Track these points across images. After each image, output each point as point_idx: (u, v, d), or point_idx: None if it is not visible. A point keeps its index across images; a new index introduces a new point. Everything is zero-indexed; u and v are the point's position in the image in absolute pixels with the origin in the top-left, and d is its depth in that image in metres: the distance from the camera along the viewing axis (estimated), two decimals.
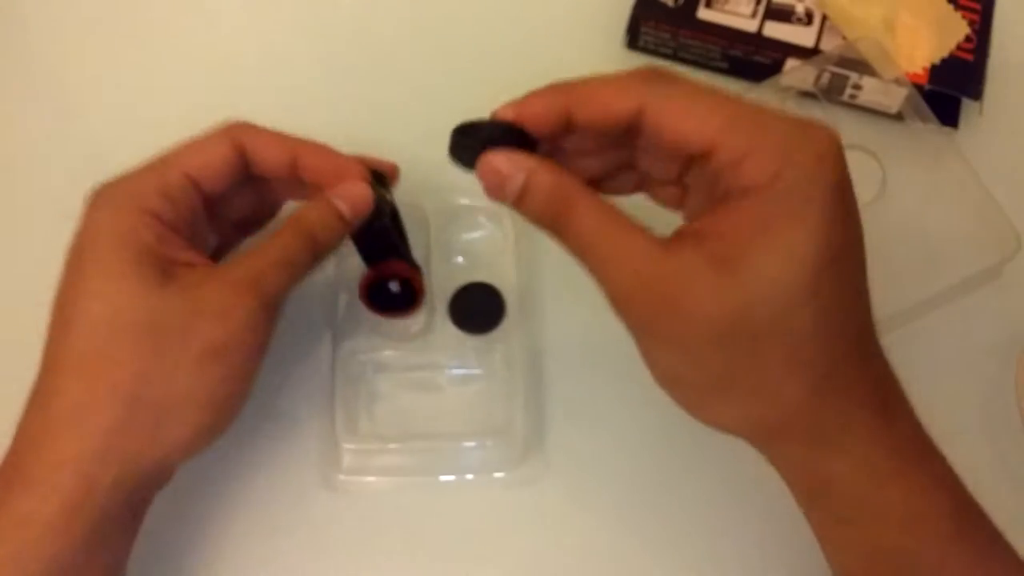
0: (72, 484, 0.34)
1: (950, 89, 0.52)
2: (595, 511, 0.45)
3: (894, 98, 0.52)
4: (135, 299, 0.35)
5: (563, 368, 0.47)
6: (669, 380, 0.34)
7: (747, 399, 0.33)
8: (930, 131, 0.50)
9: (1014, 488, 0.45)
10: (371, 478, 0.45)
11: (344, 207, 0.40)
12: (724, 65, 0.55)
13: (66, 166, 0.51)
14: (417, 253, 0.46)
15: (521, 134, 0.34)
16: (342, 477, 0.45)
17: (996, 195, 0.47)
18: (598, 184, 0.37)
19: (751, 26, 0.54)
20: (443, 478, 0.45)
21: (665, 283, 0.32)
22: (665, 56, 0.56)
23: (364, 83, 0.55)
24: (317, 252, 0.39)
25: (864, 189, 0.48)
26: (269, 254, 0.38)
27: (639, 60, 0.56)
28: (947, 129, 0.53)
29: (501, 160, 0.33)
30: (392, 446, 0.45)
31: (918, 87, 0.51)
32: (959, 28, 0.53)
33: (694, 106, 0.32)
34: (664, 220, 0.35)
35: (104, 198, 0.37)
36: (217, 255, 0.42)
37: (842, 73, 0.52)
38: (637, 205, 0.35)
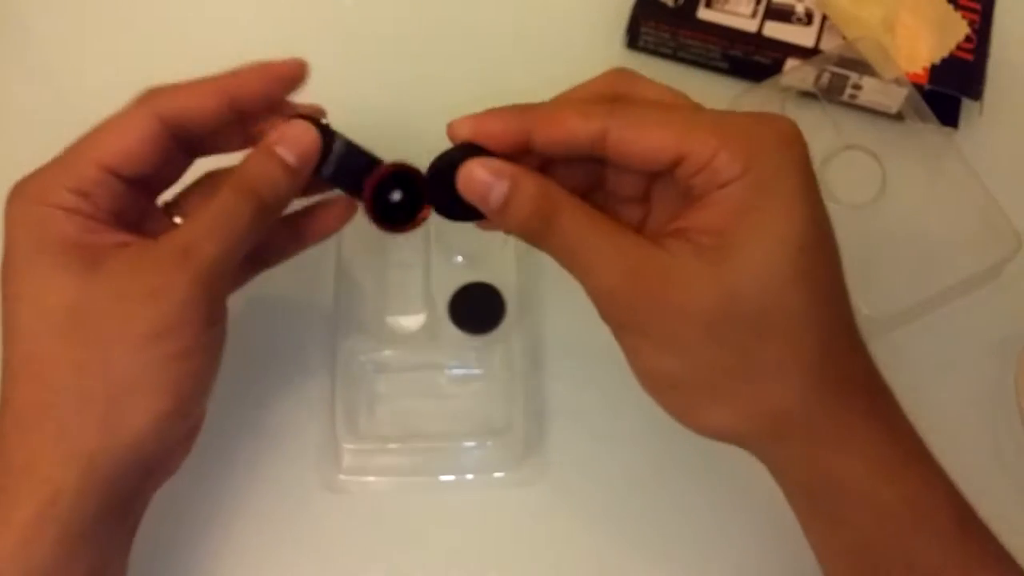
0: (36, 490, 0.33)
1: (950, 89, 0.52)
2: (595, 511, 0.45)
3: (894, 98, 0.52)
4: (60, 294, 0.33)
5: (563, 368, 0.47)
6: (659, 382, 0.34)
7: (741, 395, 0.32)
8: (930, 131, 0.50)
9: (1014, 488, 0.45)
10: (371, 478, 0.45)
11: (288, 154, 0.36)
12: (724, 65, 0.55)
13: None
14: (417, 253, 0.45)
15: (480, 151, 0.34)
16: (342, 477, 0.45)
17: (996, 195, 0.47)
18: None
19: (751, 26, 0.54)
20: (443, 478, 0.45)
21: (652, 277, 0.32)
22: (665, 56, 0.56)
23: (363, 83, 0.55)
24: (263, 210, 0.36)
25: (864, 189, 0.49)
26: (203, 221, 0.35)
27: (639, 60, 0.56)
28: (947, 129, 0.53)
29: (481, 170, 0.33)
30: (392, 446, 0.45)
31: (918, 87, 0.51)
32: (959, 28, 0.53)
33: (655, 123, 0.32)
34: None
35: (18, 196, 0.35)
36: None
37: (842, 73, 0.52)
38: None
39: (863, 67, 0.51)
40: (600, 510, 0.45)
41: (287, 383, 0.46)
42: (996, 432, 0.47)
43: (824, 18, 0.54)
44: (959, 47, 0.53)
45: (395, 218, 0.38)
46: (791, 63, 0.53)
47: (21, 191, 0.35)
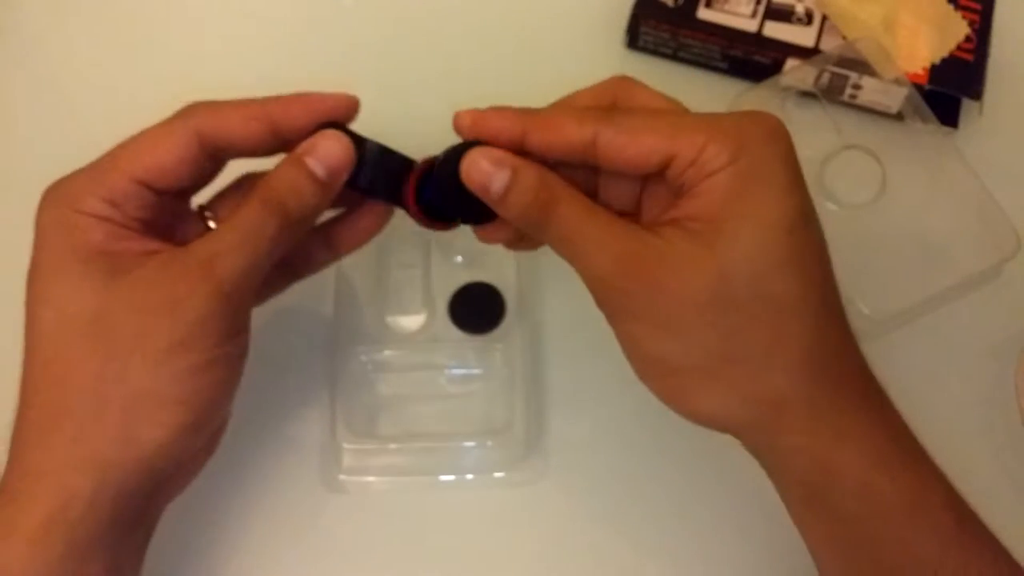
0: (48, 495, 0.33)
1: (950, 89, 0.52)
2: (595, 511, 0.45)
3: (894, 98, 0.52)
4: (84, 302, 0.33)
5: (563, 368, 0.47)
6: (652, 368, 0.34)
7: (733, 380, 0.32)
8: (930, 131, 0.50)
9: (1014, 488, 0.45)
10: (371, 478, 0.45)
11: (317, 166, 0.35)
12: (724, 65, 0.55)
13: (64, 166, 0.52)
14: (417, 253, 0.45)
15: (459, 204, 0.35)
16: (342, 477, 0.45)
17: (996, 195, 0.47)
18: None
19: (751, 26, 0.54)
20: (443, 478, 0.45)
21: (645, 261, 0.32)
22: (665, 56, 0.56)
23: (363, 84, 0.55)
24: (290, 224, 0.35)
25: (864, 189, 0.49)
26: (229, 233, 0.34)
27: (639, 60, 0.56)
28: (947, 129, 0.53)
29: (484, 159, 0.34)
30: (392, 446, 0.45)
31: (918, 87, 0.51)
32: (959, 28, 0.53)
33: (645, 128, 0.33)
34: None
35: (49, 200, 0.35)
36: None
37: (842, 73, 0.52)
38: None
39: (863, 67, 0.51)
40: (600, 510, 0.45)
41: (287, 383, 0.46)
42: (996, 432, 0.47)
43: (824, 18, 0.54)
44: (959, 47, 0.53)
45: (441, 213, 0.38)
46: (791, 63, 0.53)
47: (52, 196, 0.35)
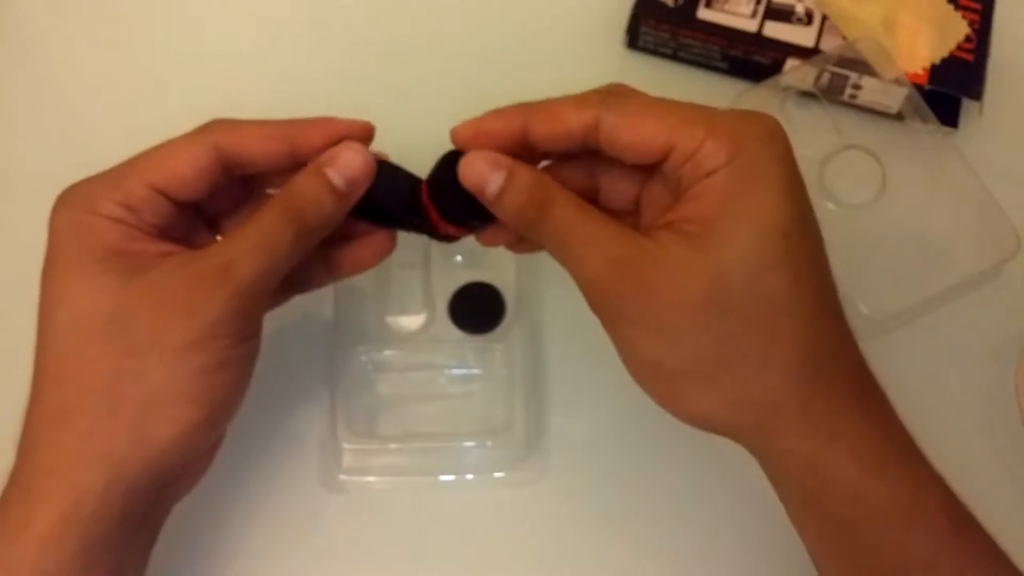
0: (60, 492, 0.33)
1: (950, 89, 0.52)
2: (595, 511, 0.45)
3: (894, 98, 0.52)
4: (100, 298, 0.34)
5: (563, 368, 0.47)
6: (648, 371, 0.34)
7: (728, 383, 0.32)
8: (930, 131, 0.50)
9: (1014, 488, 0.45)
10: (371, 478, 0.45)
11: (337, 177, 0.36)
12: (724, 65, 0.55)
13: (64, 166, 0.52)
14: (417, 253, 0.46)
15: (478, 206, 0.35)
16: (342, 477, 0.45)
17: (996, 195, 0.47)
18: None
19: (751, 26, 0.54)
20: (443, 478, 0.45)
21: (638, 265, 0.32)
22: (665, 56, 0.56)
23: (363, 84, 0.55)
24: (307, 232, 0.36)
25: (864, 189, 0.49)
26: (245, 238, 0.35)
27: (639, 60, 0.56)
28: (947, 129, 0.53)
29: (480, 161, 0.34)
30: (392, 446, 0.45)
31: (918, 87, 0.51)
32: (959, 28, 0.53)
33: (646, 112, 0.33)
34: None
35: (63, 204, 0.35)
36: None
37: (842, 73, 0.52)
38: None
39: (863, 67, 0.51)
40: (600, 510, 0.45)
41: (287, 383, 0.46)
42: (996, 432, 0.47)
43: (824, 18, 0.54)
44: (959, 47, 0.53)
45: (461, 218, 0.38)
46: (791, 63, 0.53)
47: (67, 199, 0.35)
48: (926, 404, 0.46)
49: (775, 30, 0.54)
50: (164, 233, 0.36)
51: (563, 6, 0.57)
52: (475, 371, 0.47)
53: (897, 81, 0.51)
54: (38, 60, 0.56)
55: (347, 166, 0.36)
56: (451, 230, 0.38)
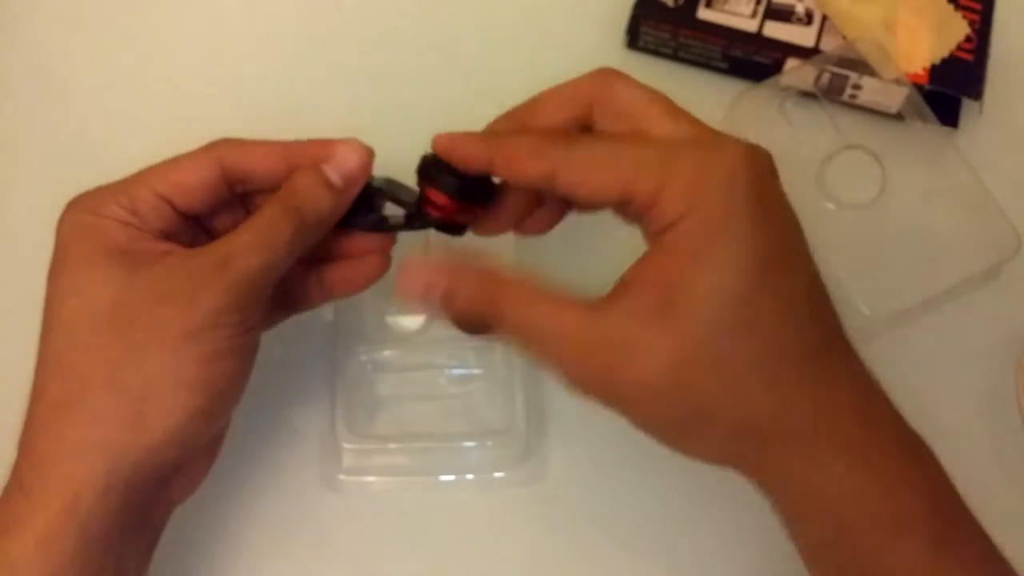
0: (59, 486, 0.33)
1: (950, 89, 0.52)
2: (595, 511, 0.45)
3: (894, 98, 0.52)
4: (104, 289, 0.35)
5: None
6: (642, 429, 0.34)
7: (709, 435, 0.33)
8: (930, 131, 0.50)
9: (1014, 488, 0.45)
10: (371, 478, 0.45)
11: (333, 174, 0.37)
12: (724, 65, 0.55)
13: (66, 171, 0.52)
14: (416, 253, 0.45)
15: (481, 182, 0.36)
16: (342, 477, 0.45)
17: (996, 195, 0.47)
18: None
19: (751, 26, 0.54)
20: (443, 478, 0.45)
21: (599, 354, 0.32)
22: (665, 56, 0.56)
23: (362, 85, 0.55)
24: (304, 228, 0.36)
25: (864, 189, 0.49)
26: (245, 233, 0.36)
27: (639, 60, 0.56)
28: (947, 129, 0.53)
29: (419, 268, 0.35)
30: (392, 446, 0.45)
31: (918, 87, 0.51)
32: (959, 28, 0.53)
33: (602, 165, 0.33)
34: None
35: (72, 208, 0.37)
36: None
37: (842, 73, 0.52)
38: None
39: (863, 67, 0.51)
40: (600, 510, 0.45)
41: (287, 383, 0.46)
42: (996, 432, 0.47)
43: (824, 18, 0.54)
44: (959, 47, 0.53)
45: (475, 197, 0.37)
46: (791, 63, 0.53)
47: (76, 204, 0.37)
48: (926, 404, 0.46)
49: (775, 30, 0.54)
50: (168, 238, 0.37)
51: (563, 6, 0.57)
52: (475, 371, 0.47)
53: (897, 81, 0.51)
54: (38, 65, 0.56)
55: (344, 163, 0.37)
56: (449, 208, 0.37)
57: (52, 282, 0.36)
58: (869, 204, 0.48)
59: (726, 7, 0.54)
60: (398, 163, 0.42)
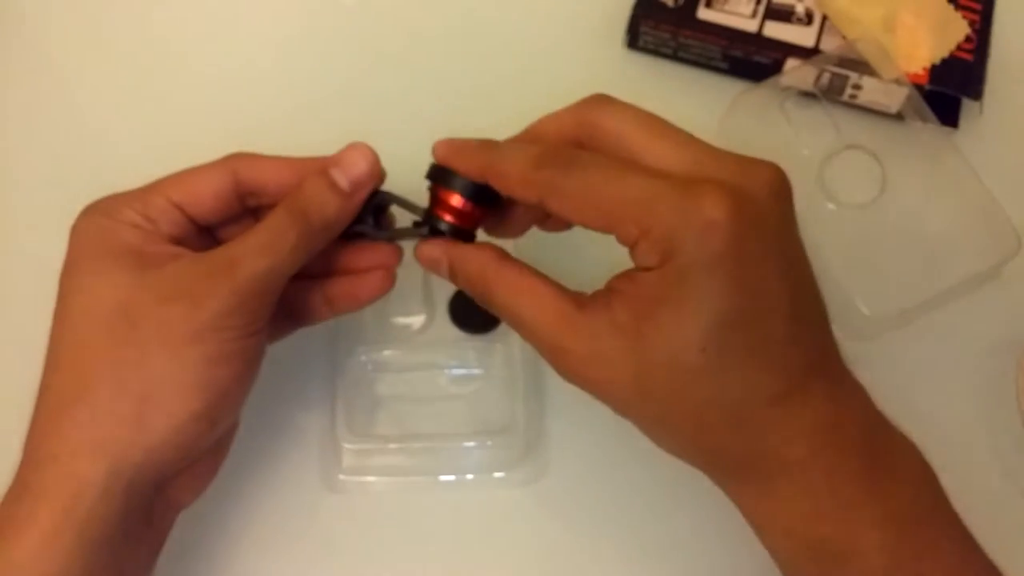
0: (60, 485, 0.33)
1: (950, 89, 0.52)
2: (595, 511, 0.45)
3: (894, 98, 0.52)
4: (111, 289, 0.35)
5: None
6: (621, 414, 0.35)
7: (680, 443, 0.35)
8: (930, 131, 0.50)
9: (1014, 488, 0.45)
10: (371, 478, 0.45)
11: (340, 178, 0.37)
12: (724, 65, 0.55)
13: (69, 174, 0.52)
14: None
15: (486, 190, 0.36)
16: (342, 477, 0.45)
17: (996, 195, 0.47)
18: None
19: (751, 26, 0.54)
20: (443, 478, 0.45)
21: (575, 352, 0.33)
22: (665, 56, 0.56)
23: (362, 86, 0.55)
24: (311, 232, 0.37)
25: (864, 189, 0.49)
26: (252, 237, 0.36)
27: (639, 60, 0.56)
28: (947, 129, 0.53)
29: (430, 249, 0.37)
30: (392, 446, 0.45)
31: (918, 87, 0.51)
32: (959, 28, 0.53)
33: (585, 199, 0.33)
34: None
35: (87, 211, 0.37)
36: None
37: (842, 73, 0.52)
38: None
39: (863, 67, 0.51)
40: (600, 510, 0.45)
41: (288, 383, 0.46)
42: (996, 432, 0.47)
43: (824, 18, 0.54)
44: (959, 47, 0.53)
45: (488, 200, 0.37)
46: (791, 63, 0.53)
47: (90, 209, 0.37)
48: (926, 404, 0.46)
49: (775, 30, 0.54)
50: (179, 244, 0.38)
51: (563, 6, 0.57)
52: (475, 371, 0.47)
53: (897, 81, 0.51)
54: (44, 71, 0.56)
55: (351, 167, 0.38)
56: (462, 210, 0.37)
57: (63, 282, 0.36)
58: (869, 204, 0.48)
59: (726, 7, 0.54)
60: (399, 166, 0.42)
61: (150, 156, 0.39)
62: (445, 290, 0.47)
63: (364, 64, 0.56)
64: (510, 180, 0.35)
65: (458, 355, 0.47)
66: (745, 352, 0.32)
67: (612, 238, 0.33)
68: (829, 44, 0.53)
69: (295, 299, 0.40)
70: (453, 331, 0.47)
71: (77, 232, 0.37)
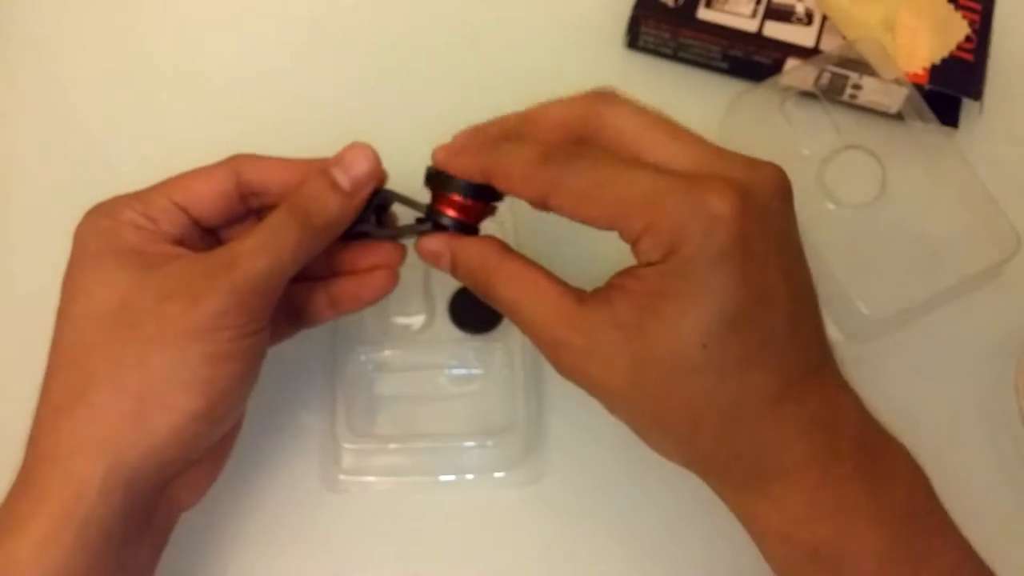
0: (60, 484, 0.33)
1: (950, 89, 0.52)
2: (595, 511, 0.45)
3: (894, 98, 0.52)
4: (112, 288, 0.35)
5: None
6: (615, 412, 0.35)
7: (670, 443, 0.35)
8: (930, 131, 0.50)
9: (1014, 488, 0.45)
10: (371, 478, 0.45)
11: (341, 177, 0.37)
12: (724, 65, 0.55)
13: (74, 179, 0.52)
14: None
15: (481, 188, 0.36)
16: (342, 477, 0.45)
17: (996, 195, 0.47)
18: None
19: (751, 26, 0.54)
20: (443, 478, 0.45)
21: (572, 346, 0.33)
22: (665, 56, 0.56)
23: (363, 86, 0.55)
24: (312, 231, 0.37)
25: (864, 189, 0.49)
26: (253, 236, 0.36)
27: (639, 60, 0.56)
28: (947, 129, 0.53)
29: (431, 242, 0.37)
30: (392, 446, 0.45)
31: (918, 87, 0.51)
32: (959, 28, 0.53)
33: (588, 196, 0.33)
34: None
35: (90, 213, 0.38)
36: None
37: (842, 73, 0.52)
38: None
39: (863, 67, 0.51)
40: (600, 510, 0.45)
41: (287, 383, 0.46)
42: (996, 433, 0.47)
43: (824, 18, 0.54)
44: (959, 47, 0.53)
45: (487, 196, 0.37)
46: (791, 63, 0.53)
47: (95, 209, 0.38)
48: (926, 404, 0.46)
49: (775, 30, 0.54)
50: (181, 244, 0.38)
51: (563, 6, 0.57)
52: (475, 371, 0.47)
53: (897, 81, 0.51)
54: (42, 74, 0.56)
55: (352, 166, 0.37)
56: (464, 207, 0.38)
57: (66, 283, 0.36)
58: (869, 204, 0.48)
59: (726, 7, 0.54)
60: (401, 166, 0.42)
61: (153, 158, 0.40)
62: (445, 290, 0.47)
63: (364, 64, 0.56)
64: (513, 180, 0.35)
65: (458, 355, 0.47)
66: (745, 350, 0.32)
67: (613, 236, 0.33)
68: (829, 44, 0.53)
69: (298, 300, 0.40)
70: (453, 331, 0.47)
71: (80, 233, 0.37)
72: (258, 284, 0.35)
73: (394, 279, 0.41)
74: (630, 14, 0.55)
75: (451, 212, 0.37)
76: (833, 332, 0.46)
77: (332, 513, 0.44)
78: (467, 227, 0.38)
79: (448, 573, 0.44)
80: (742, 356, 0.32)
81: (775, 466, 0.33)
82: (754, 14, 0.54)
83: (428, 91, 0.54)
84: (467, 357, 0.47)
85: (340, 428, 0.44)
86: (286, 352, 0.42)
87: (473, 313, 0.47)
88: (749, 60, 0.54)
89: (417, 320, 0.47)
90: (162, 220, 0.37)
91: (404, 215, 0.40)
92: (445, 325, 0.47)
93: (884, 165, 0.49)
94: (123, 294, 0.35)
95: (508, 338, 0.46)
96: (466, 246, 0.37)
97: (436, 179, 0.37)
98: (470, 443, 0.45)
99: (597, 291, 0.34)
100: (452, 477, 0.45)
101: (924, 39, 0.53)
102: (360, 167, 0.37)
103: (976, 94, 0.52)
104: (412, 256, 0.47)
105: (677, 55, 0.56)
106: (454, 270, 0.37)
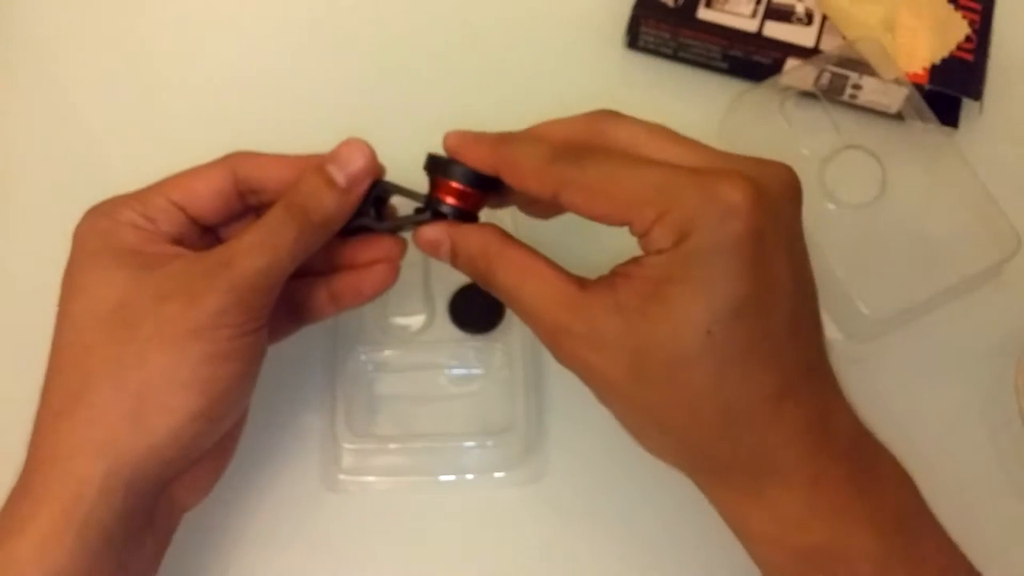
0: (60, 485, 0.33)
1: (950, 89, 0.52)
2: (595, 511, 0.45)
3: (894, 98, 0.52)
4: (111, 288, 0.35)
5: (563, 368, 0.47)
6: (609, 404, 0.35)
7: (666, 440, 0.34)
8: (930, 131, 0.50)
9: (1014, 488, 0.45)
10: (371, 478, 0.45)
11: (337, 174, 0.37)
12: (724, 65, 0.55)
13: (73, 179, 0.52)
14: (417, 252, 0.45)
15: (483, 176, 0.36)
16: (342, 477, 0.45)
17: (996, 195, 0.47)
18: None
19: (751, 26, 0.54)
20: (443, 478, 0.45)
21: (573, 334, 0.33)
22: (665, 56, 0.56)
23: (363, 86, 0.55)
24: (310, 228, 0.37)
25: (864, 189, 0.49)
26: (250, 235, 0.36)
27: (639, 60, 0.56)
28: (947, 129, 0.53)
29: (431, 231, 0.37)
30: (392, 446, 0.45)
31: (918, 87, 0.51)
32: (959, 28, 0.53)
33: (601, 191, 0.33)
34: None
35: (89, 213, 0.38)
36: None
37: (842, 73, 0.52)
38: None
39: (863, 67, 0.51)
40: (600, 510, 0.45)
41: (287, 383, 0.46)
42: (996, 433, 0.47)
43: (824, 18, 0.54)
44: (959, 47, 0.53)
45: (488, 185, 0.37)
46: (791, 63, 0.53)
47: (92, 211, 0.38)
48: (926, 404, 0.46)
49: (775, 30, 0.54)
50: (180, 243, 0.38)
51: (564, 6, 0.57)
52: (475, 371, 0.47)
53: (897, 81, 0.51)
54: (42, 73, 0.56)
55: (348, 162, 0.38)
56: (464, 196, 0.37)
57: (65, 283, 0.36)
58: (869, 204, 0.48)
59: (726, 7, 0.54)
60: (400, 165, 0.43)
61: (152, 158, 0.39)
62: (445, 290, 0.47)
63: (364, 64, 0.56)
64: (524, 175, 0.35)
65: (458, 355, 0.47)
66: (748, 341, 0.32)
67: (615, 230, 0.33)
68: (829, 44, 0.53)
69: (298, 297, 0.40)
70: (453, 331, 0.47)
71: (79, 234, 0.37)
72: (256, 282, 0.35)
73: (394, 273, 0.40)
74: (630, 14, 0.55)
75: (450, 200, 0.37)
76: (833, 332, 0.46)
77: (332, 513, 0.44)
78: (466, 215, 0.37)
79: (448, 573, 0.44)
80: (744, 347, 0.32)
81: (770, 466, 0.33)
82: (754, 14, 0.54)
83: (428, 91, 0.54)
84: (467, 357, 0.47)
85: (340, 428, 0.44)
86: (286, 352, 0.42)
87: (473, 313, 0.47)
88: (749, 60, 0.54)
89: (417, 320, 0.47)
90: (161, 220, 0.37)
91: (404, 208, 0.40)
92: (445, 325, 0.47)
93: (884, 165, 0.49)
94: (122, 294, 0.35)
95: (508, 338, 0.46)
96: (466, 233, 0.36)
97: (436, 165, 0.37)
98: (470, 443, 0.45)
99: (601, 278, 0.34)
100: (452, 477, 0.45)
101: (924, 39, 0.53)
102: (356, 163, 0.38)
103: (976, 94, 0.52)
104: (412, 256, 0.47)
105: (677, 55, 0.56)
106: (454, 259, 0.37)
